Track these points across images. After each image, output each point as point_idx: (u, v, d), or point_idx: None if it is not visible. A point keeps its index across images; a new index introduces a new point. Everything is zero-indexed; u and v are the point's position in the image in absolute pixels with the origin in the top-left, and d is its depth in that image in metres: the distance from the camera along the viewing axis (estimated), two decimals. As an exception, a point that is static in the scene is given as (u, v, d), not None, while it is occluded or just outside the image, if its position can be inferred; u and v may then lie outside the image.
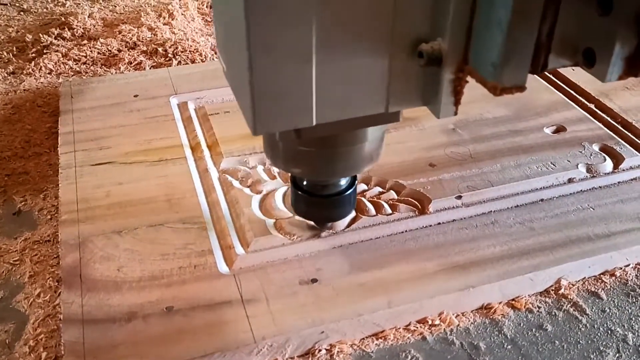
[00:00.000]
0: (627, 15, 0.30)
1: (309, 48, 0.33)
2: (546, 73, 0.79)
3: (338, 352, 0.47)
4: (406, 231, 0.55)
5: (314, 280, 0.50)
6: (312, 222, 0.55)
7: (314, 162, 0.46)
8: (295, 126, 0.37)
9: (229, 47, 0.37)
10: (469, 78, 0.35)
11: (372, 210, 0.57)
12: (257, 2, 0.31)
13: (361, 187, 0.60)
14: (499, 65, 0.31)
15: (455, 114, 0.37)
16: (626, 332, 0.49)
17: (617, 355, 0.47)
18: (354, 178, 0.52)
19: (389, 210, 0.57)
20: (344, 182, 0.51)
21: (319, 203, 0.51)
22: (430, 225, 0.56)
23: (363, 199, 0.58)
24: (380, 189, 0.60)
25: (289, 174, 0.54)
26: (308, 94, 0.35)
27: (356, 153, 0.46)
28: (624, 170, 0.63)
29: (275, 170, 0.62)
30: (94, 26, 0.96)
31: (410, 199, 0.58)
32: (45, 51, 0.89)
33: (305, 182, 0.51)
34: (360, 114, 0.37)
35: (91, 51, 0.88)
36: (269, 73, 0.33)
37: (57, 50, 0.88)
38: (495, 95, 0.33)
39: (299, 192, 0.51)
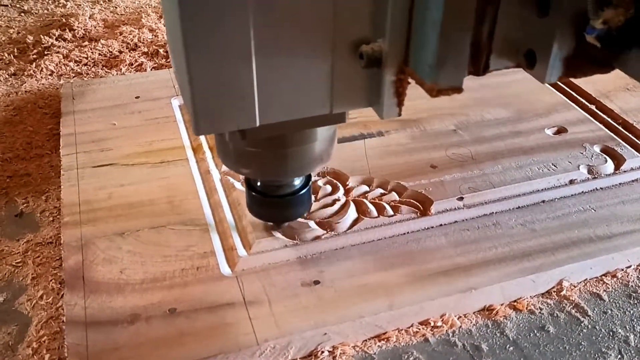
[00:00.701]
0: (564, 17, 0.31)
1: (247, 48, 0.33)
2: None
3: (340, 354, 0.47)
4: (408, 233, 0.55)
5: (316, 282, 0.50)
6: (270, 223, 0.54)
7: (262, 163, 0.46)
8: (239, 127, 0.36)
9: (173, 47, 0.37)
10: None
11: (374, 212, 0.57)
12: (189, 0, 0.31)
13: (363, 188, 0.60)
14: (435, 66, 0.32)
15: (399, 114, 0.37)
16: (628, 334, 0.49)
17: (619, 356, 0.47)
18: (309, 177, 0.52)
19: (391, 212, 0.57)
20: (297, 181, 0.51)
21: (274, 203, 0.51)
22: (432, 227, 0.56)
23: (365, 200, 0.59)
24: (382, 191, 0.60)
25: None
26: (250, 94, 0.35)
27: (305, 153, 0.46)
28: (625, 171, 0.63)
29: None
30: (95, 27, 0.96)
31: (412, 200, 0.59)
32: (46, 52, 0.89)
33: (259, 183, 0.51)
34: (305, 115, 0.37)
35: (92, 52, 0.88)
36: (207, 73, 0.33)
37: (58, 52, 0.88)
38: (432, 97, 0.33)
39: (253, 193, 0.51)
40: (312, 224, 0.56)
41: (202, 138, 0.67)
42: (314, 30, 0.34)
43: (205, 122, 0.35)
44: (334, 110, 0.38)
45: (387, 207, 0.58)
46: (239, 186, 0.61)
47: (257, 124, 0.36)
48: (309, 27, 0.34)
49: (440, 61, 0.31)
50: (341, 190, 0.60)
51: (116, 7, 1.03)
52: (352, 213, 0.57)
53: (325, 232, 0.55)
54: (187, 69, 0.33)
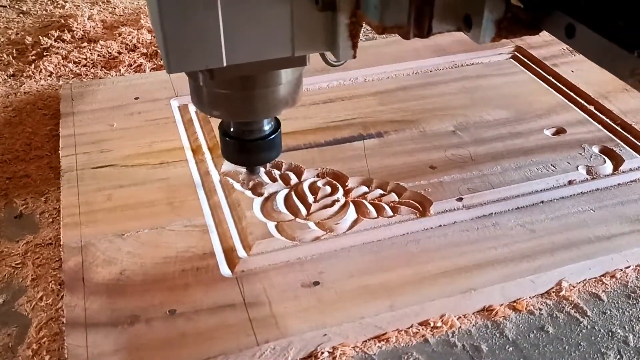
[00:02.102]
0: None
1: None
2: (545, 75, 0.79)
3: (340, 354, 0.47)
4: (407, 233, 0.56)
5: (316, 283, 0.50)
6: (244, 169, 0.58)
7: (231, 104, 0.49)
8: (207, 66, 0.40)
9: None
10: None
11: (374, 213, 0.57)
12: None
13: (362, 189, 0.60)
14: (380, 6, 0.36)
15: (354, 57, 0.41)
16: (627, 334, 0.49)
17: (618, 357, 0.47)
18: (278, 122, 0.54)
19: (390, 213, 0.57)
20: (267, 126, 0.53)
21: (246, 147, 0.53)
22: (432, 228, 0.56)
23: (364, 201, 0.59)
24: (382, 191, 0.60)
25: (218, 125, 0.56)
26: (216, 36, 0.38)
27: (271, 95, 0.49)
28: (623, 172, 0.63)
29: (276, 172, 0.62)
30: (94, 28, 0.96)
31: (411, 201, 0.59)
32: (45, 54, 0.89)
33: (232, 129, 0.53)
34: (268, 57, 0.41)
35: (91, 53, 0.88)
36: (177, 16, 0.37)
37: (57, 53, 0.88)
38: (379, 34, 0.38)
39: (227, 139, 0.54)
40: (311, 224, 0.56)
41: (202, 138, 0.68)
42: None
43: (176, 61, 0.39)
44: (296, 52, 0.41)
45: (387, 207, 0.58)
46: (239, 187, 0.61)
47: (224, 64, 0.40)
48: None
49: (385, 2, 0.36)
50: (340, 191, 0.60)
51: (115, 8, 1.03)
52: (351, 214, 0.57)
53: (324, 233, 0.55)
54: (159, 13, 0.37)
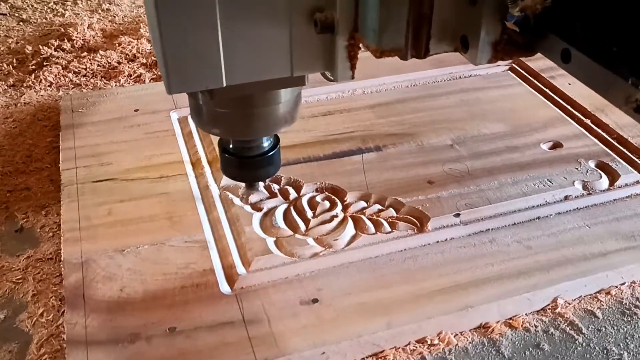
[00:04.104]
0: (491, 4, 0.35)
1: (213, 15, 0.38)
2: (542, 87, 0.80)
3: (338, 372, 0.47)
4: (405, 250, 0.56)
5: (315, 301, 0.51)
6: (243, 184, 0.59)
7: (231, 123, 0.50)
8: (207, 87, 0.41)
9: (149, 18, 0.41)
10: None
11: (372, 229, 0.58)
12: None
13: (361, 204, 0.61)
14: (378, 31, 0.37)
15: (352, 77, 0.42)
16: (622, 352, 0.50)
17: (613, 375, 0.48)
18: (277, 139, 0.55)
19: (388, 229, 0.58)
20: (266, 143, 0.54)
21: (245, 164, 0.54)
22: (429, 244, 0.57)
23: (362, 216, 0.59)
24: (380, 207, 0.60)
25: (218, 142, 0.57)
26: (216, 57, 0.39)
27: (270, 114, 0.49)
28: (619, 187, 0.64)
29: (275, 187, 0.63)
30: (94, 37, 0.96)
31: (409, 216, 0.59)
32: (45, 63, 0.89)
33: (231, 145, 0.54)
34: (267, 77, 0.42)
35: (91, 63, 0.89)
36: (178, 37, 0.38)
37: (57, 63, 0.89)
38: (377, 58, 0.39)
39: (226, 155, 0.55)
40: (310, 240, 0.57)
41: (201, 152, 0.68)
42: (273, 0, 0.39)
43: (177, 82, 0.40)
44: (294, 73, 0.42)
45: (385, 223, 0.58)
46: (238, 202, 0.61)
47: (224, 85, 0.40)
48: None
49: (382, 26, 0.37)
50: (339, 206, 0.60)
51: (114, 17, 1.04)
52: (349, 229, 0.58)
53: (323, 249, 0.56)
54: (160, 34, 0.37)
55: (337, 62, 0.41)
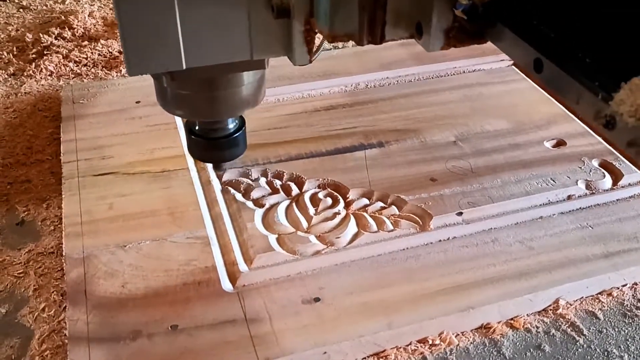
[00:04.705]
0: None
1: None
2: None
3: (340, 372, 0.48)
4: (407, 248, 0.56)
5: (317, 299, 0.51)
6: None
7: (193, 105, 0.50)
8: (167, 69, 0.41)
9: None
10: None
11: (374, 226, 0.58)
12: None
13: (363, 201, 0.61)
14: (330, 15, 0.38)
15: (310, 62, 0.42)
16: (622, 354, 0.50)
17: (613, 377, 0.48)
18: (242, 120, 0.56)
19: (391, 227, 0.58)
20: (232, 125, 0.55)
21: (211, 145, 0.55)
22: (432, 243, 0.57)
23: (365, 214, 0.59)
24: (382, 204, 0.60)
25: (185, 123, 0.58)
26: (175, 39, 0.39)
27: (232, 96, 0.50)
28: (622, 187, 0.63)
29: (277, 183, 0.63)
30: (94, 26, 0.95)
31: (411, 215, 0.59)
32: (45, 52, 0.88)
33: (197, 127, 0.55)
34: (227, 60, 0.42)
35: (92, 53, 0.88)
36: (135, 18, 0.38)
37: (57, 52, 0.88)
38: (329, 42, 0.39)
39: (192, 137, 0.55)
40: (312, 238, 0.56)
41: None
42: None
43: (136, 64, 0.40)
44: (254, 56, 0.42)
45: (387, 221, 0.58)
46: (240, 197, 0.61)
47: (184, 67, 0.41)
48: None
49: (334, 11, 0.37)
50: (341, 203, 0.60)
51: (116, 5, 1.02)
52: (352, 227, 0.58)
53: (325, 246, 0.56)
54: (118, 16, 0.38)
55: (295, 47, 0.41)
